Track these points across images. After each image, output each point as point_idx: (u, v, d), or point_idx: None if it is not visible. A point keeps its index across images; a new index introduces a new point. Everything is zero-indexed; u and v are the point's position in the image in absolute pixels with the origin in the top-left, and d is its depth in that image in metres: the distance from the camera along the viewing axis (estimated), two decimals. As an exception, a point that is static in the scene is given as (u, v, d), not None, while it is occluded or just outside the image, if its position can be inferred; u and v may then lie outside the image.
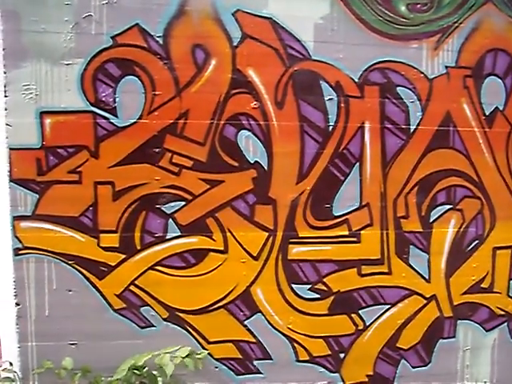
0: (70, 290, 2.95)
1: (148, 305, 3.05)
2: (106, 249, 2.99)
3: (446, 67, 3.31)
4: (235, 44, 2.99)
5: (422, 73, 3.26)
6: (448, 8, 3.30)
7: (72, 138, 2.93)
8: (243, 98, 3.03)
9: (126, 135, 2.96)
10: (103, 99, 2.92)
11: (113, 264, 2.86)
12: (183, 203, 3.05)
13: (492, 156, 3.45)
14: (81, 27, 2.90)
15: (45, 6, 2.87)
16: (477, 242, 3.49)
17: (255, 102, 3.04)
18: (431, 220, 3.39)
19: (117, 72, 2.92)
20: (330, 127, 3.15)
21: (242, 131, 3.06)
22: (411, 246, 3.36)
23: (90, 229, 2.96)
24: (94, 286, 2.95)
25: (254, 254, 3.14)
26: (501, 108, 3.44)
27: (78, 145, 2.92)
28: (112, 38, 2.92)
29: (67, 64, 2.90)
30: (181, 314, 3.10)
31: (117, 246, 3.00)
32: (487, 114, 3.41)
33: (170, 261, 3.07)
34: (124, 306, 3.02)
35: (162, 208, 3.03)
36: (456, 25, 3.32)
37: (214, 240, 3.10)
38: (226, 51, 2.99)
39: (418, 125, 3.28)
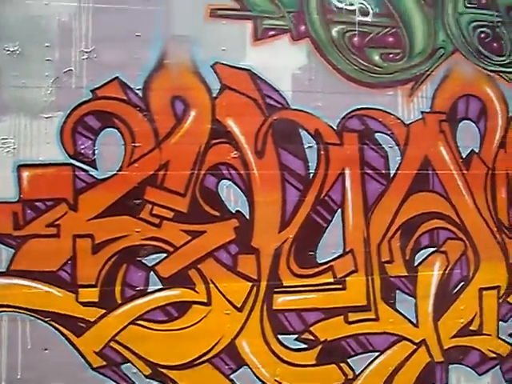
0: (45, 349, 2.81)
1: (129, 361, 2.92)
2: (84, 304, 2.88)
3: (422, 113, 3.36)
4: (214, 95, 3.02)
5: (399, 119, 3.33)
6: (419, 57, 3.41)
7: (50, 190, 2.88)
8: (223, 148, 3.03)
9: (105, 187, 2.93)
10: (82, 151, 2.90)
11: (92, 319, 2.75)
12: (164, 255, 2.98)
13: (472, 197, 3.49)
14: (61, 81, 2.91)
15: (26, 62, 2.89)
16: (462, 283, 3.47)
17: (235, 152, 3.05)
18: (416, 263, 3.37)
19: (96, 124, 2.92)
20: (311, 175, 3.16)
21: (223, 181, 3.05)
22: (397, 291, 3.32)
23: (68, 283, 2.87)
24: (72, 344, 2.82)
25: (238, 306, 3.06)
26: (476, 150, 3.49)
27: (56, 198, 2.87)
28: (92, 91, 2.92)
29: (47, 117, 2.89)
30: (164, 370, 2.98)
31: (96, 300, 2.89)
32: (464, 156, 3.45)
33: (152, 314, 2.97)
34: (104, 363, 2.89)
35: (143, 260, 2.96)
36: (428, 73, 3.42)
37: (196, 292, 3.02)
38: (205, 102, 3.01)
39: (398, 169, 3.31)
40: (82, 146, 2.91)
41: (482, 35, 3.57)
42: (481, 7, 3.58)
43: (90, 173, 2.91)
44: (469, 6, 3.56)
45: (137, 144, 2.94)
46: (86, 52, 2.94)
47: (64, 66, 2.93)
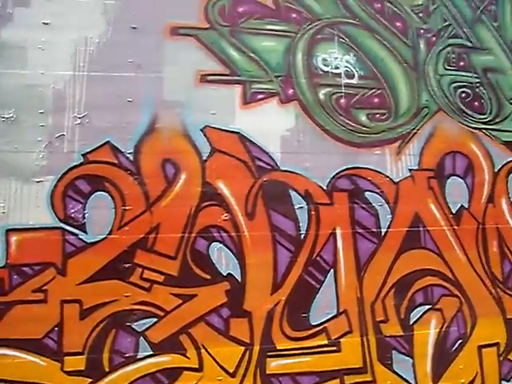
0: (28, 424, 2.68)
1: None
2: (70, 373, 2.78)
3: (410, 170, 3.41)
4: (204, 158, 3.06)
5: (388, 177, 3.36)
6: (404, 117, 3.51)
7: (39, 255, 2.84)
8: (214, 211, 3.03)
9: (95, 251, 2.89)
10: (72, 215, 2.89)
11: (77, 390, 2.63)
12: (155, 320, 2.92)
13: (464, 252, 3.47)
14: (53, 146, 2.95)
15: (19, 128, 2.92)
16: (460, 341, 3.40)
17: (226, 214, 3.05)
18: (411, 322, 3.30)
19: (87, 188, 2.92)
20: (302, 235, 3.15)
21: (214, 243, 3.03)
22: (394, 351, 3.24)
23: (53, 352, 2.77)
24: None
25: (231, 371, 2.97)
26: (466, 206, 3.52)
27: (44, 262, 2.82)
28: (83, 155, 2.95)
29: (38, 181, 2.89)
30: None
31: (82, 369, 2.78)
32: (454, 212, 3.47)
33: (141, 382, 2.86)
34: None
35: (133, 326, 2.87)
36: (414, 131, 3.51)
37: (187, 358, 2.94)
38: (195, 165, 3.04)
39: (389, 227, 3.31)
40: (72, 210, 2.89)
41: (463, 95, 3.70)
42: (459, 69, 3.72)
43: (80, 236, 2.89)
44: (448, 68, 3.71)
45: (127, 207, 2.94)
46: (79, 117, 2.99)
47: (56, 131, 2.97)
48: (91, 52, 3.09)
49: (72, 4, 3.14)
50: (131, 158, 2.97)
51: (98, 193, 2.93)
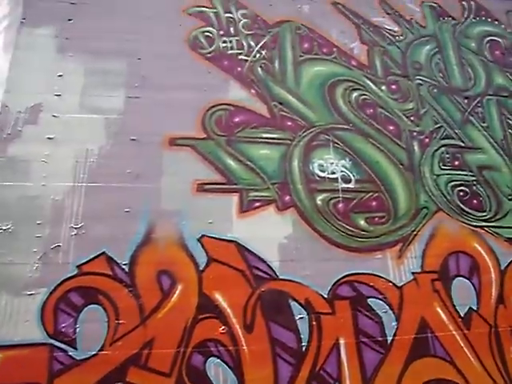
0: None
1: None
2: None
3: (413, 273, 3.33)
4: (201, 268, 3.02)
5: (391, 281, 3.27)
6: (404, 219, 3.50)
7: (23, 375, 2.68)
8: (211, 323, 2.94)
9: (84, 369, 2.75)
10: (63, 330, 2.79)
11: None
12: None
13: (478, 360, 3.27)
14: (48, 257, 2.92)
15: (15, 239, 2.91)
16: None
17: (223, 327, 2.95)
18: None
19: (79, 301, 2.85)
20: (304, 347, 3.01)
21: (211, 358, 2.90)
22: None
23: None
24: None
25: None
26: (475, 308, 3.38)
27: (29, 383, 2.66)
28: (78, 266, 2.90)
29: (30, 294, 2.83)
30: None
31: None
32: (462, 315, 3.33)
33: None
34: None
35: None
36: (415, 233, 3.47)
37: None
38: (192, 276, 3.00)
39: (395, 335, 3.17)
40: (63, 325, 2.81)
41: (461, 193, 3.72)
42: (455, 168, 3.78)
43: (69, 353, 2.75)
44: (444, 168, 3.76)
45: (121, 321, 2.84)
46: (75, 228, 3.00)
47: (52, 242, 2.95)
48: (91, 164, 3.16)
49: (76, 119, 3.28)
50: (126, 269, 2.93)
51: (91, 306, 2.85)
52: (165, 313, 2.90)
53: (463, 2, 4.67)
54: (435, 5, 4.54)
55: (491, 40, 4.54)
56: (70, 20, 3.57)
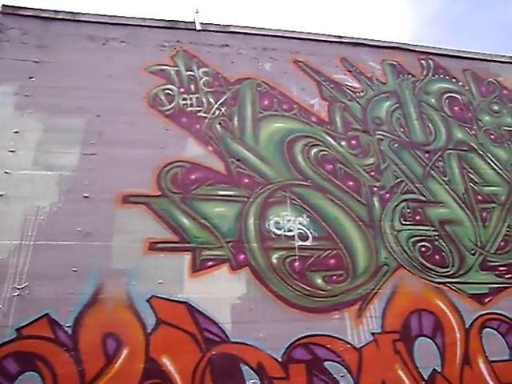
0: None
1: None
2: None
3: (373, 334, 3.29)
4: (149, 331, 2.96)
5: (349, 343, 3.22)
6: (363, 276, 3.50)
7: None
8: (156, 390, 2.82)
9: None
10: (-4, 402, 2.65)
11: None
12: None
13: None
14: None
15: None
16: None
17: (170, 399, 2.83)
18: None
19: (15, 368, 2.75)
20: (255, 416, 2.90)
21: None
22: None
23: None
24: None
25: None
26: (439, 369, 3.33)
27: None
28: (17, 329, 2.82)
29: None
30: None
31: None
32: (426, 377, 3.28)
33: None
34: None
35: None
36: (374, 291, 3.45)
37: None
38: (139, 339, 2.94)
39: (353, 407, 3.07)
40: (-6, 407, 2.68)
41: (423, 249, 3.75)
42: (416, 223, 3.82)
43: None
44: (405, 223, 3.80)
45: (59, 390, 2.73)
46: (18, 288, 2.94)
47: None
48: (41, 221, 3.15)
49: (28, 176, 3.30)
50: (70, 331, 2.85)
51: (28, 373, 2.74)
52: (107, 380, 2.81)
53: (422, 61, 4.90)
54: (395, 63, 4.75)
55: (450, 96, 4.73)
56: (31, 78, 3.66)
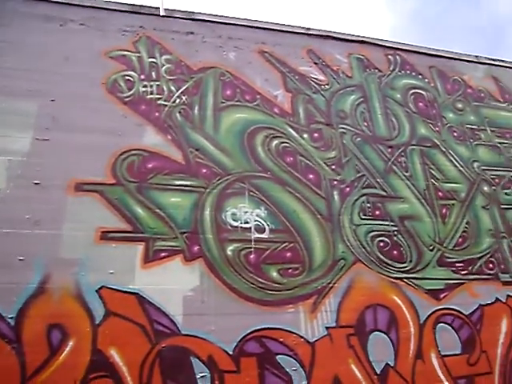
0: None
1: None
2: None
3: (327, 328, 3.31)
4: (97, 322, 2.91)
5: (302, 337, 3.24)
6: (320, 270, 3.52)
7: None
8: (103, 383, 2.79)
9: None
10: None
11: None
12: None
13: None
14: None
15: None
16: None
17: (115, 383, 2.80)
18: None
19: None
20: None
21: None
22: None
23: None
24: None
25: None
26: (392, 364, 3.38)
27: None
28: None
29: None
30: None
31: None
32: (379, 372, 3.32)
33: None
34: None
35: None
36: (330, 285, 3.48)
37: None
38: (86, 331, 2.89)
39: (305, 401, 3.10)
40: None
41: (382, 244, 3.79)
42: (376, 218, 3.86)
43: None
44: (364, 217, 3.84)
45: (-2, 385, 2.66)
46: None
47: None
48: (-13, 208, 3.05)
49: (-25, 161, 3.18)
50: (12, 323, 2.78)
51: (-37, 378, 2.66)
52: (50, 373, 2.76)
53: (389, 56, 4.93)
54: (362, 57, 4.77)
55: (415, 92, 4.78)
56: (-22, 57, 3.54)
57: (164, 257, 3.20)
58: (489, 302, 3.85)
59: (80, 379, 2.79)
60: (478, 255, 4.05)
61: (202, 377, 2.97)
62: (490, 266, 4.05)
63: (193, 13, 4.32)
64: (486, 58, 5.42)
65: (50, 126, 3.44)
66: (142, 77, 3.87)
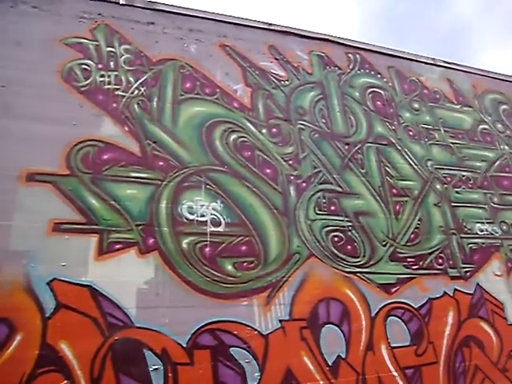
0: None
1: None
2: None
3: (281, 321, 3.40)
4: (48, 315, 2.87)
5: (256, 330, 3.31)
6: (274, 264, 3.60)
7: None
8: (51, 377, 2.78)
9: None
10: None
11: None
12: None
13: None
14: None
15: None
16: None
17: (66, 381, 2.80)
18: None
19: None
20: (157, 401, 2.92)
21: (48, 416, 2.70)
22: None
23: None
24: None
25: None
26: (343, 356, 3.50)
27: None
28: None
29: None
30: None
31: None
32: (330, 364, 3.43)
33: None
34: None
35: None
36: (285, 279, 3.56)
37: None
38: (35, 324, 2.85)
39: (257, 387, 3.17)
40: None
41: (336, 239, 3.91)
42: (331, 213, 3.97)
43: None
44: (319, 213, 3.94)
45: None
46: None
47: None
48: None
49: None
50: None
51: None
52: (-3, 366, 2.70)
53: (349, 55, 5.06)
54: (323, 54, 4.87)
55: (374, 91, 4.93)
56: None
57: (118, 249, 3.20)
58: (437, 296, 4.04)
59: (28, 373, 2.75)
60: (429, 251, 4.23)
61: (154, 369, 2.99)
62: (440, 261, 4.24)
63: (154, 3, 4.29)
64: (442, 60, 5.64)
65: (1, 114, 3.35)
66: (100, 66, 3.82)
